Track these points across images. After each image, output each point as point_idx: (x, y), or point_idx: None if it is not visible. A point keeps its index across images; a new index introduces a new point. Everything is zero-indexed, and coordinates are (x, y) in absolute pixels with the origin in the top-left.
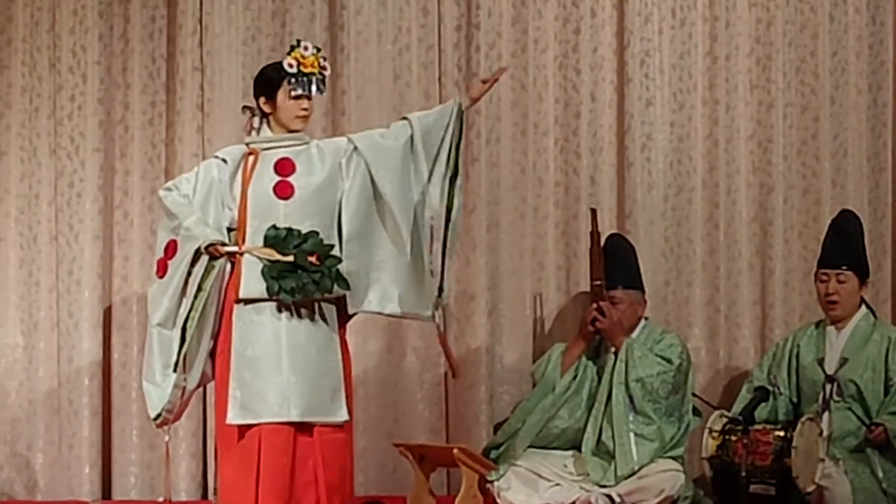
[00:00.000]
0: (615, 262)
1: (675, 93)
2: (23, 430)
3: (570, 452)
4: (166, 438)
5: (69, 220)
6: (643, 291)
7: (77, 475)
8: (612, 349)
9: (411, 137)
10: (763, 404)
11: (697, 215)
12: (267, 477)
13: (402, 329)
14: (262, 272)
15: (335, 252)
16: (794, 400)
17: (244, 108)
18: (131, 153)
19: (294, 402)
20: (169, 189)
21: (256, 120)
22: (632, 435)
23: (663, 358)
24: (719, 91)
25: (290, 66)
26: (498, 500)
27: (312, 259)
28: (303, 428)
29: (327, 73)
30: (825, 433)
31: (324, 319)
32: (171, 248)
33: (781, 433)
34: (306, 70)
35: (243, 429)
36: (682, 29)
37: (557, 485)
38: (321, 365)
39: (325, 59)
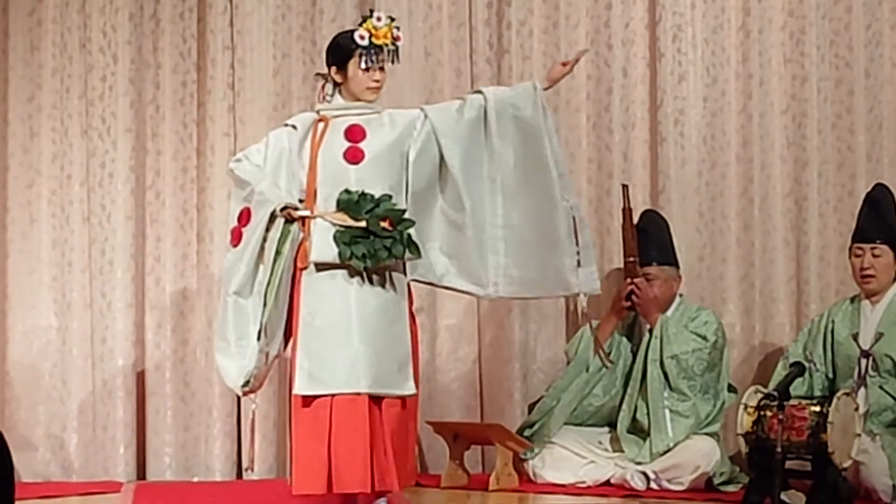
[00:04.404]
0: (650, 238)
1: (708, 67)
2: (57, 411)
3: (605, 429)
4: (253, 407)
5: (101, 201)
6: (678, 267)
7: (112, 456)
8: (647, 326)
9: (484, 111)
10: (799, 380)
11: (731, 190)
12: (343, 448)
13: (435, 307)
14: (335, 237)
15: (408, 216)
16: (830, 376)
17: (317, 74)
18: (163, 133)
19: (363, 373)
20: (239, 160)
21: (329, 87)
22: (667, 412)
23: (698, 335)
24: (753, 65)
25: (362, 38)
26: (533, 478)
27: (385, 224)
28: (373, 400)
29: (401, 42)
30: (861, 409)
31: (394, 288)
32: (244, 216)
33: (817, 408)
34: (378, 42)
35: (312, 399)
36: (715, 3)
37: (592, 462)
38: (390, 335)
39: (398, 28)
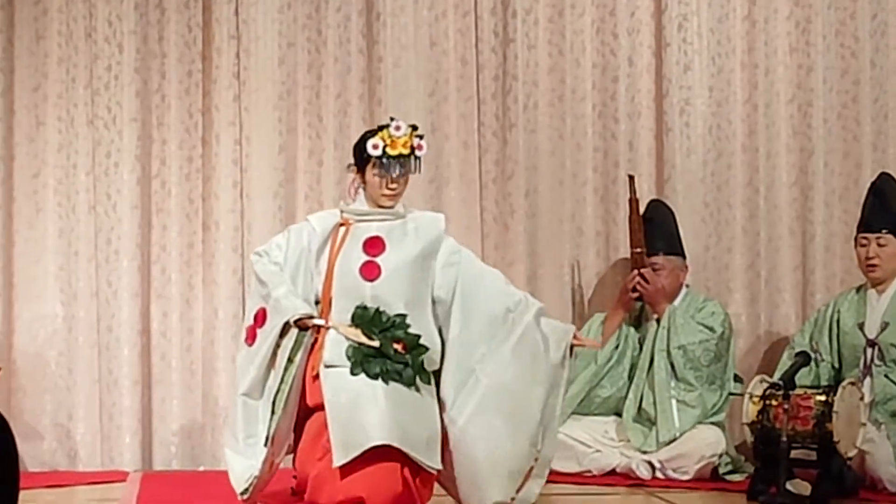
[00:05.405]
0: (656, 228)
1: (714, 57)
2: (63, 400)
3: (611, 418)
4: None
5: (107, 190)
6: (684, 257)
7: (118, 445)
8: (654, 316)
9: (516, 320)
10: (805, 370)
11: (737, 180)
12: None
13: None
14: (347, 352)
15: (423, 342)
16: (836, 365)
17: (349, 166)
18: (168, 122)
19: (393, 427)
20: (259, 255)
21: (358, 181)
22: (673, 402)
23: (705, 326)
24: (758, 55)
25: (375, 147)
26: None
27: (398, 347)
28: (404, 462)
29: (423, 151)
30: (867, 398)
31: (415, 387)
32: (260, 317)
33: (822, 398)
34: (393, 152)
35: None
36: None
37: (598, 451)
38: (417, 411)
39: (420, 136)
